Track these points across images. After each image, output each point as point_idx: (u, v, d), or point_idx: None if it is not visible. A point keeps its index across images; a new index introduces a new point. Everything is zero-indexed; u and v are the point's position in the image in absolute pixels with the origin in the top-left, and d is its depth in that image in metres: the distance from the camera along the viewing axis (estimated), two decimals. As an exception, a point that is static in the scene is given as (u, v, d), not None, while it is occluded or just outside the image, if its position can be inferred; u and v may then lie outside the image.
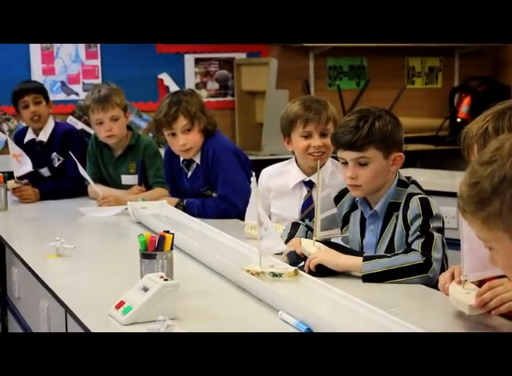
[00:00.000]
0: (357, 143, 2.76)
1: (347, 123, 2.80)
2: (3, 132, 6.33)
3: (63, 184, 4.63)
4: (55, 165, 4.73)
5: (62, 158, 4.69)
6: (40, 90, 4.82)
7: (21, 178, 4.54)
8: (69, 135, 4.78)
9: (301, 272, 2.69)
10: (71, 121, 6.53)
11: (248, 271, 2.63)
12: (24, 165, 4.53)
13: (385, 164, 2.79)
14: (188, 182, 4.03)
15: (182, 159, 4.03)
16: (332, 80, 7.22)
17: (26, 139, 4.82)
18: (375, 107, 2.87)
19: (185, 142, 3.88)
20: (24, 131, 4.91)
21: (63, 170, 4.69)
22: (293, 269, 2.68)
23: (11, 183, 4.48)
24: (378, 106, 2.90)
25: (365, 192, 2.85)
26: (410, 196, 2.76)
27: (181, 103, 3.87)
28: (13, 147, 4.53)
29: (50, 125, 4.79)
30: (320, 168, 3.37)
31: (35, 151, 4.73)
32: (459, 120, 6.93)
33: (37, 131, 4.80)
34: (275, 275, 2.64)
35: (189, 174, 4.02)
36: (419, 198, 2.74)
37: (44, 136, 4.76)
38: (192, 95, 3.99)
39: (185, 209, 3.85)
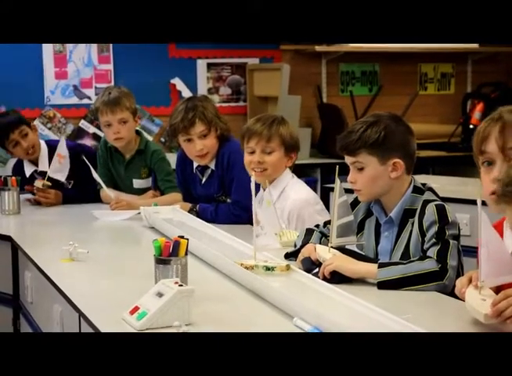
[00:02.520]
0: (349, 148, 2.81)
1: (350, 128, 2.86)
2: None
3: (87, 191, 4.56)
4: (69, 187, 4.65)
5: (71, 181, 4.61)
6: (20, 120, 4.65)
7: (49, 179, 4.49)
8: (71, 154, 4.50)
9: (293, 266, 2.78)
10: (83, 124, 6.55)
11: (242, 264, 2.73)
12: (61, 171, 4.44)
13: (382, 169, 2.79)
14: (202, 188, 4.03)
15: (195, 165, 4.03)
16: (344, 85, 7.21)
17: (27, 173, 4.72)
18: (387, 113, 2.89)
19: (202, 147, 3.89)
20: (20, 164, 4.78)
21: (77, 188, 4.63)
22: (285, 263, 2.78)
23: (38, 184, 4.47)
24: (391, 112, 2.92)
25: (366, 196, 2.86)
26: (426, 202, 2.75)
27: (197, 108, 3.88)
28: (63, 148, 4.45)
29: (44, 152, 4.67)
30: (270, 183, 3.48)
31: None
32: (471, 126, 6.90)
33: (34, 162, 4.72)
34: (267, 268, 2.74)
35: (204, 180, 4.02)
36: (435, 205, 2.72)
37: (43, 166, 4.65)
38: (207, 100, 4.00)
39: (199, 215, 3.84)
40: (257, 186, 3.59)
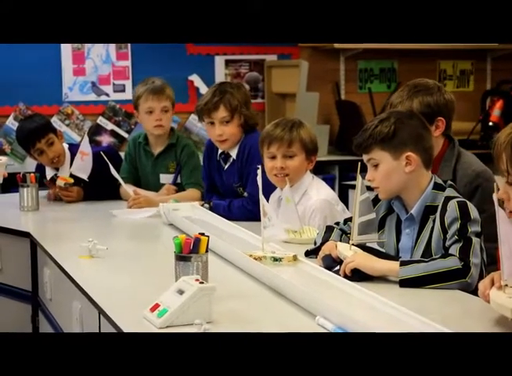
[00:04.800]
0: (362, 145, 2.82)
1: (364, 127, 2.87)
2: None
3: (106, 187, 4.51)
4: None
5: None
6: (47, 127, 4.52)
7: (71, 176, 4.47)
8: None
9: (300, 257, 2.86)
10: (101, 121, 6.55)
11: (251, 256, 2.82)
12: (84, 169, 4.38)
13: (396, 164, 2.77)
14: (224, 176, 4.04)
15: (219, 152, 4.05)
16: (363, 82, 7.19)
17: (48, 176, 4.62)
18: (402, 109, 2.94)
19: (222, 133, 3.91)
20: (42, 166, 4.65)
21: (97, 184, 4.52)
22: (292, 254, 2.86)
23: (60, 182, 4.46)
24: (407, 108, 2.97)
25: (385, 194, 2.84)
26: (448, 199, 2.72)
27: (225, 94, 3.90)
28: (86, 146, 4.39)
29: (67, 160, 4.54)
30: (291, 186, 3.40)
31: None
32: (491, 123, 6.86)
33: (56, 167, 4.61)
34: (275, 259, 2.84)
35: (226, 167, 4.03)
36: (457, 201, 2.69)
37: (64, 172, 4.53)
38: (238, 88, 4.00)
39: (212, 210, 3.83)
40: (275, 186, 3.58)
